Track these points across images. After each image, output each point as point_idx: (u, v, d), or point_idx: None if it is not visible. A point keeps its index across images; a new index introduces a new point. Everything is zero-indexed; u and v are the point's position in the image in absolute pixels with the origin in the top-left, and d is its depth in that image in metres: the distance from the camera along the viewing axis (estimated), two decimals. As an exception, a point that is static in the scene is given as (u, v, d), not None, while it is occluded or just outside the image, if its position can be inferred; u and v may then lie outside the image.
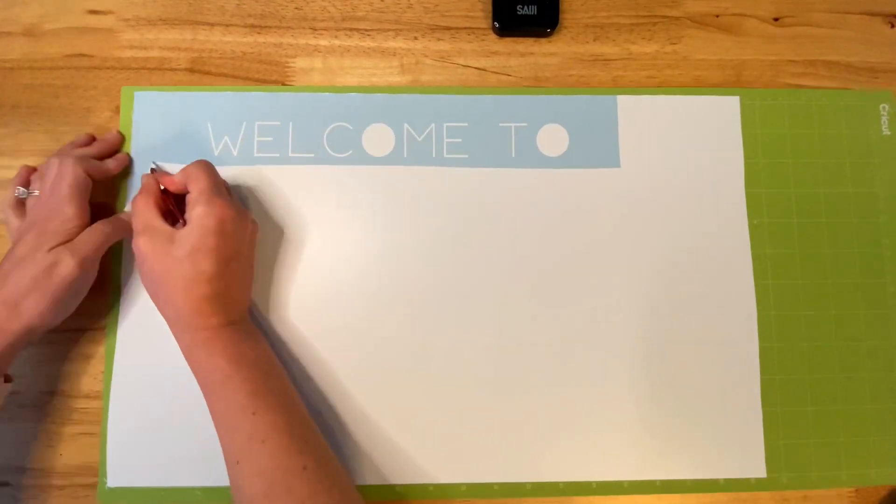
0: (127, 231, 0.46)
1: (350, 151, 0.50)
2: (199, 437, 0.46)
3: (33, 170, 0.47)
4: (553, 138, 0.51)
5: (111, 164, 0.48)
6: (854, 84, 0.53)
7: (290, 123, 0.50)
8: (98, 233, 0.44)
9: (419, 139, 0.50)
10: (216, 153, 0.50)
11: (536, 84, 0.52)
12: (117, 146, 0.49)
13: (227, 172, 0.49)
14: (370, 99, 0.51)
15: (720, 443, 0.48)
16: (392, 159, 0.50)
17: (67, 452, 0.47)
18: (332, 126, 0.50)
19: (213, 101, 0.50)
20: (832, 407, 0.48)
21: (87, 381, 0.47)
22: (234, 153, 0.50)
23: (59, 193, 0.43)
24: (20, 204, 0.46)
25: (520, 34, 0.52)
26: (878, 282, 0.50)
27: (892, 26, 0.54)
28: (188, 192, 0.43)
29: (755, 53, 0.53)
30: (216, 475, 0.46)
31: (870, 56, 0.53)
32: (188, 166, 0.44)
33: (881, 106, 0.52)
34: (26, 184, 0.46)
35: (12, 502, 0.46)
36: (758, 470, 0.47)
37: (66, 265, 0.42)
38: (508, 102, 0.51)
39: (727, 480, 0.47)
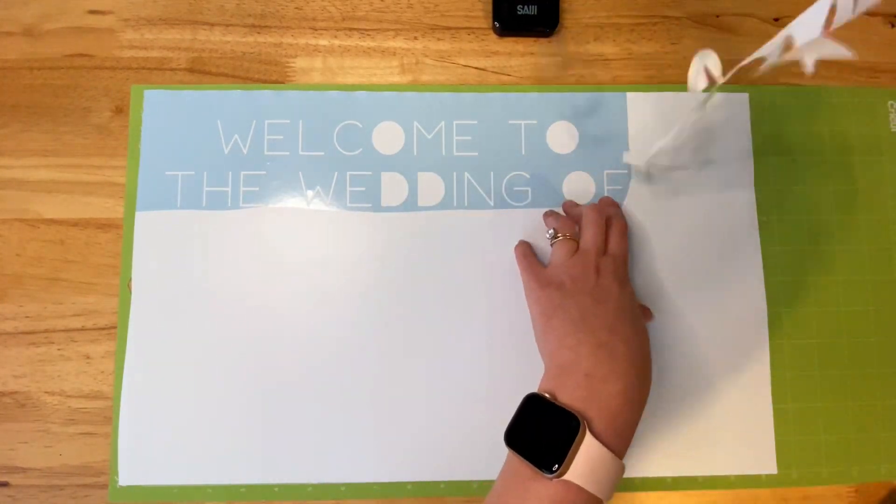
0: None
1: (360, 149, 0.50)
2: (210, 435, 0.46)
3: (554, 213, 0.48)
4: (563, 136, 0.51)
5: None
6: (854, 84, 0.53)
7: (300, 122, 0.50)
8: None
9: (429, 137, 0.50)
10: (226, 152, 0.50)
11: (537, 84, 0.52)
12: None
13: (237, 171, 0.49)
14: (378, 97, 0.51)
15: (731, 440, 0.48)
16: (402, 157, 0.50)
17: (67, 452, 0.47)
18: (341, 124, 0.50)
19: (222, 100, 0.50)
20: (842, 403, 0.48)
21: (87, 381, 0.47)
22: (244, 151, 0.50)
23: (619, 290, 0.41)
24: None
25: (520, 34, 0.52)
26: (888, 278, 0.50)
27: (892, 26, 0.54)
28: None
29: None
30: (226, 472, 0.46)
31: (870, 56, 0.53)
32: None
33: (889, 103, 0.52)
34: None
35: (12, 502, 0.46)
36: (768, 466, 0.48)
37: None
38: (517, 100, 0.51)
39: (738, 477, 0.47)
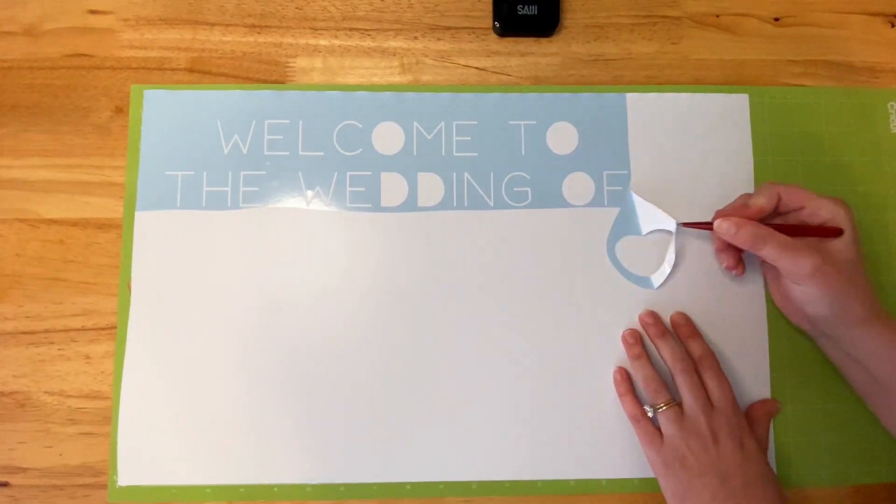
0: None
1: (360, 150, 0.50)
2: (210, 435, 0.46)
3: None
4: (562, 136, 0.51)
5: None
6: (854, 84, 0.53)
7: (300, 122, 0.50)
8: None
9: (429, 137, 0.50)
10: (226, 151, 0.50)
11: (537, 84, 0.52)
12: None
13: (237, 171, 0.49)
14: (378, 97, 0.51)
15: None
16: (402, 157, 0.50)
17: (67, 452, 0.47)
18: (341, 124, 0.50)
19: (222, 100, 0.50)
20: (842, 404, 0.48)
21: (88, 381, 0.47)
22: (244, 151, 0.50)
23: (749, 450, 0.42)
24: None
25: (520, 34, 0.52)
26: (887, 279, 0.50)
27: (893, 26, 0.54)
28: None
29: (755, 53, 0.53)
30: (226, 472, 0.46)
31: (870, 56, 0.53)
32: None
33: (889, 104, 0.52)
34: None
35: (12, 502, 0.46)
36: None
37: None
38: (517, 100, 0.51)
39: None
